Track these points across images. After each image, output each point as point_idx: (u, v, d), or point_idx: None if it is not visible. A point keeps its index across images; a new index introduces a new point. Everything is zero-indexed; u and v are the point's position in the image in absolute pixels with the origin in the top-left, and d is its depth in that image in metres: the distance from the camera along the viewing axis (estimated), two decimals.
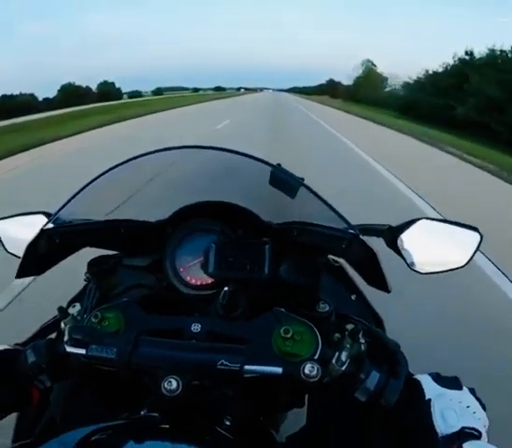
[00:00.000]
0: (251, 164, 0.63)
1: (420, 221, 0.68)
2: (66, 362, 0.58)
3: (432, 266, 0.69)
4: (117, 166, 0.66)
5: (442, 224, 0.69)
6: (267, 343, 0.53)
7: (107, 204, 0.73)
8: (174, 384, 0.50)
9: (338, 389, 0.53)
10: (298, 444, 0.65)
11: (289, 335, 0.53)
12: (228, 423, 0.56)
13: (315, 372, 0.49)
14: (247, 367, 0.50)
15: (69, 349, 0.54)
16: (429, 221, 0.69)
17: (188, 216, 0.73)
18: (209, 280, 0.69)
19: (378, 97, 35.26)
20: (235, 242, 0.68)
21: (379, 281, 0.59)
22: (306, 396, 0.69)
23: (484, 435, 0.47)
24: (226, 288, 0.58)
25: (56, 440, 0.44)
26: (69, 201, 0.65)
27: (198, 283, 0.71)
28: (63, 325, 0.60)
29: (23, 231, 0.68)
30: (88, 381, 0.70)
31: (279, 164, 0.65)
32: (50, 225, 0.63)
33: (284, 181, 0.63)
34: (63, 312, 0.63)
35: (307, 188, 0.62)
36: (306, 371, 0.49)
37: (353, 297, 0.72)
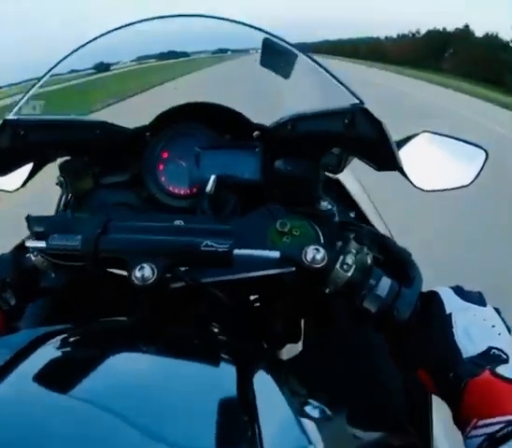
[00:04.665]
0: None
1: (423, 134, 0.65)
2: (35, 278, 0.52)
3: (435, 183, 0.66)
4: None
5: (445, 139, 0.66)
6: (262, 237, 0.48)
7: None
8: (147, 270, 0.42)
9: (342, 302, 0.45)
10: (301, 367, 0.59)
11: (286, 229, 0.48)
12: (216, 330, 0.50)
13: (321, 256, 0.42)
14: (237, 251, 0.43)
15: (29, 244, 0.47)
16: (432, 135, 0.66)
17: (169, 120, 0.67)
18: (194, 189, 0.65)
19: None
20: (222, 146, 0.63)
21: (388, 158, 0.51)
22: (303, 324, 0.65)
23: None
24: (214, 176, 0.51)
25: None
26: (34, 85, 0.58)
27: (181, 192, 0.65)
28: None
29: None
30: (62, 304, 0.64)
31: None
32: (14, 116, 0.57)
33: (278, 53, 0.56)
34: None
35: (306, 55, 0.54)
36: (310, 254, 0.42)
37: (352, 214, 0.68)
